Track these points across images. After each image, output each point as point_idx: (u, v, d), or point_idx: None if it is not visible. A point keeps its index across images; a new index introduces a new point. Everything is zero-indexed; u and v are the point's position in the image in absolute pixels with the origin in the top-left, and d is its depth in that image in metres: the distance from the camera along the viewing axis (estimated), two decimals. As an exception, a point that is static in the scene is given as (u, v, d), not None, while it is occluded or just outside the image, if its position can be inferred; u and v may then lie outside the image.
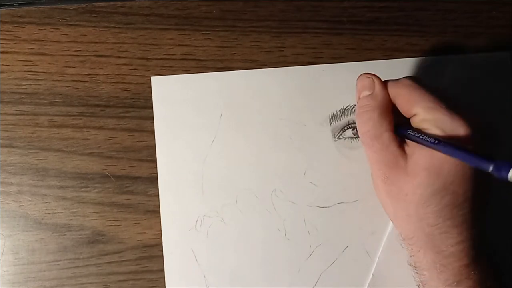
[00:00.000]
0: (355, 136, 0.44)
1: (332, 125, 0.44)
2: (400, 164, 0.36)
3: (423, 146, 0.35)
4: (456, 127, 0.34)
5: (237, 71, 0.45)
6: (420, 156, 0.35)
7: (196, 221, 0.44)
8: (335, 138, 0.44)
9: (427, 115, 0.35)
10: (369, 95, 0.38)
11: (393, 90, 0.37)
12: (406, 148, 0.37)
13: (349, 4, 0.45)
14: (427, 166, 0.35)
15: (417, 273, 0.37)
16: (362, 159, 0.43)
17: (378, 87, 0.38)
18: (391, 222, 0.41)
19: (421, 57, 0.44)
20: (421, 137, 0.35)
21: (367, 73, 0.38)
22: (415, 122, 0.37)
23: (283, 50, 0.45)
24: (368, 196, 0.43)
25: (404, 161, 0.36)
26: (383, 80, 0.38)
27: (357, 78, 0.39)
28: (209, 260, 0.44)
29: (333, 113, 0.44)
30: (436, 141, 0.34)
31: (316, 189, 0.44)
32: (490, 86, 0.44)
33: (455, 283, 0.35)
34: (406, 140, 0.37)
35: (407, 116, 0.37)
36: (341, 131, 0.44)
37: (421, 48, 0.45)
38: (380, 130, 0.37)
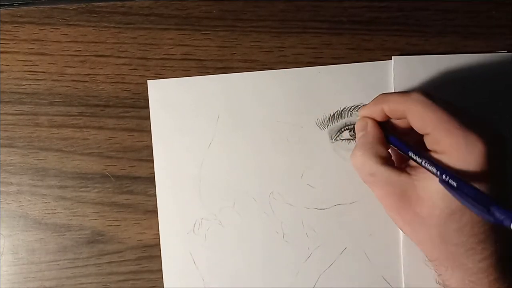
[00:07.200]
0: (352, 138, 0.44)
1: (329, 126, 0.44)
2: (408, 192, 0.36)
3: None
4: (471, 149, 0.33)
5: (233, 74, 0.44)
6: (429, 179, 0.35)
7: (194, 225, 0.44)
8: (332, 139, 0.44)
9: (440, 137, 0.35)
10: (362, 134, 0.39)
11: (403, 105, 0.36)
12: (412, 172, 0.37)
13: (349, 4, 0.45)
14: (439, 189, 0.34)
15: None
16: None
17: (369, 125, 0.39)
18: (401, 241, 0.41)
19: (421, 56, 0.44)
20: (431, 168, 0.34)
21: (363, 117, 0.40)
22: (429, 142, 0.36)
23: (283, 50, 0.45)
24: (366, 198, 0.43)
25: (412, 188, 0.36)
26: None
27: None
28: (208, 264, 0.44)
29: (330, 115, 0.44)
30: (445, 178, 0.33)
31: (313, 191, 0.44)
32: (490, 86, 0.44)
33: None
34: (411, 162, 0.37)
35: (419, 132, 0.36)
36: (338, 133, 0.44)
37: (421, 48, 0.44)
38: (375, 167, 0.37)
